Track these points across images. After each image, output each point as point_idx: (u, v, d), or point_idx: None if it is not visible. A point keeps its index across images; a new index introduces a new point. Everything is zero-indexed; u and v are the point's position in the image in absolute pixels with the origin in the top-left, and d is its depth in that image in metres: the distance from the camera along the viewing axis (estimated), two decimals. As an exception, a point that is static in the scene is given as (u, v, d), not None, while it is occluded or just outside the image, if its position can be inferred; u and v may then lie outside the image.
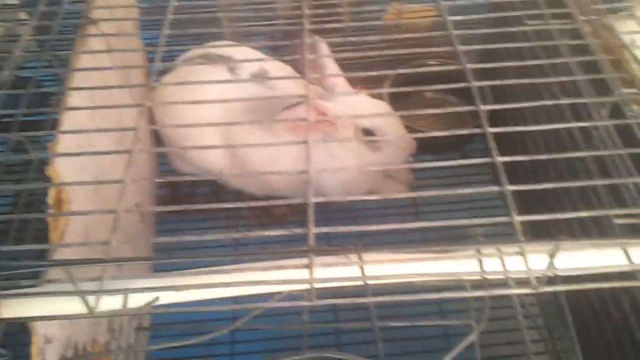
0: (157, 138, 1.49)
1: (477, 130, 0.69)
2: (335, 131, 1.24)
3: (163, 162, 1.58)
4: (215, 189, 1.61)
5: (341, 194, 1.35)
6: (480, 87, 0.74)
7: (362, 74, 0.90)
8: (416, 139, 1.29)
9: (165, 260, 0.63)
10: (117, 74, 1.21)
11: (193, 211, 0.64)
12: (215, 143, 1.31)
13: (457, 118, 1.57)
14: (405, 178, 1.42)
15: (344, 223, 1.48)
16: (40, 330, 0.72)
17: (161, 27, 0.92)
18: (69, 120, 0.93)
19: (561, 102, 0.73)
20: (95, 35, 1.07)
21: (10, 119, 1.02)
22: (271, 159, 1.29)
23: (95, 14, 1.08)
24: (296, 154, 1.28)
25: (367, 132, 1.25)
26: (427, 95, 1.59)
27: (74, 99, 0.95)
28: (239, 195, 1.53)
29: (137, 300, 0.65)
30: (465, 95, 0.82)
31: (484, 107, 0.71)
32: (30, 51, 1.43)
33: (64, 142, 0.88)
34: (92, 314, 0.57)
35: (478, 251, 0.57)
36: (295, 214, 1.66)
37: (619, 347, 0.91)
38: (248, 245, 1.57)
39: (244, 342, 1.27)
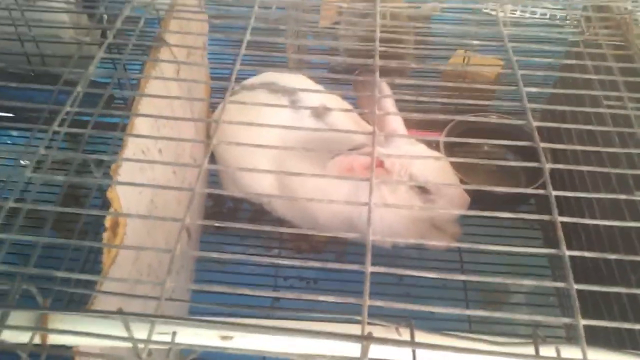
0: (211, 155, 1.51)
1: (541, 192, 0.67)
2: (389, 178, 1.24)
3: (213, 175, 1.60)
4: (258, 208, 1.60)
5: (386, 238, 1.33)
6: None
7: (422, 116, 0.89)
8: (469, 194, 1.27)
9: (216, 311, 0.63)
10: (182, 100, 1.23)
11: (235, 228, 0.67)
12: (268, 174, 1.32)
13: (512, 177, 1.54)
14: (453, 231, 1.40)
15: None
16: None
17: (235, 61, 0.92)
18: (133, 143, 0.95)
19: (635, 197, 0.70)
20: (167, 61, 1.09)
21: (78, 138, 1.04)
22: (322, 197, 1.28)
23: (168, 37, 1.11)
24: (346, 195, 1.28)
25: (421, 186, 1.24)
26: (485, 149, 1.56)
27: (140, 122, 0.98)
28: (282, 220, 1.53)
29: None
30: (522, 153, 0.80)
31: (548, 166, 0.69)
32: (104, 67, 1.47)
33: (127, 165, 0.91)
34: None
35: (537, 352, 0.55)
36: (334, 244, 1.65)
37: None
38: (287, 277, 1.56)
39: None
